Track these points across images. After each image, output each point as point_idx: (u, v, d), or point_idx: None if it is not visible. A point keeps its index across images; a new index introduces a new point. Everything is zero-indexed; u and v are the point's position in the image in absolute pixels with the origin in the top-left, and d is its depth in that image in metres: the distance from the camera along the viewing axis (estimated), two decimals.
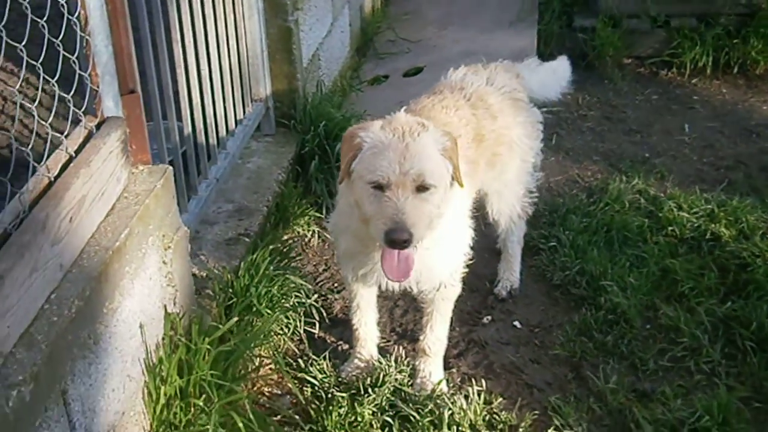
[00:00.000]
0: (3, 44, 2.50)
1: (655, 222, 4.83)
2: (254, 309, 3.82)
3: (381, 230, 3.07)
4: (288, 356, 4.00)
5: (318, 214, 4.92)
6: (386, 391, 3.77)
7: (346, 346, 4.15)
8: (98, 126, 3.14)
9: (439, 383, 3.86)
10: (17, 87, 2.84)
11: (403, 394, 3.79)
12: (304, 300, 4.11)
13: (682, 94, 6.35)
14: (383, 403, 3.72)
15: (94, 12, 3.03)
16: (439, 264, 3.59)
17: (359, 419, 3.64)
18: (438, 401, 3.74)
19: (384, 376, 3.84)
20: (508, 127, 4.04)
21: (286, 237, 4.60)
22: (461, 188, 3.33)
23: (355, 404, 3.69)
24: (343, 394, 3.74)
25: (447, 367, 4.01)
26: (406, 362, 3.99)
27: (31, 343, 2.54)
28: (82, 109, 3.06)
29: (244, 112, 5.02)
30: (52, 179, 2.84)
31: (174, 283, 3.44)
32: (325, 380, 3.87)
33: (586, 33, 6.66)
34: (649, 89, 6.45)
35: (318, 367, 3.92)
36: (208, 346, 3.35)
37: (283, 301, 3.96)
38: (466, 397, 3.76)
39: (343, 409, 3.67)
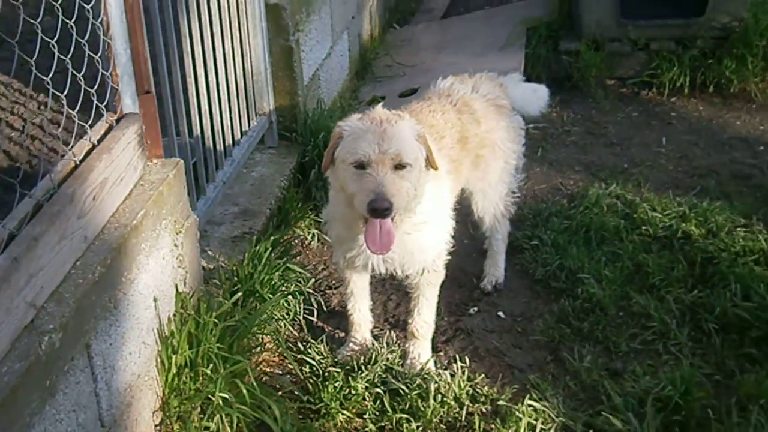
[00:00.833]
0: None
1: (630, 223, 5.17)
2: (257, 294, 4.16)
3: (364, 202, 3.44)
4: (288, 341, 4.34)
5: (317, 218, 5.26)
6: (378, 369, 4.10)
7: (342, 334, 4.48)
8: (117, 120, 3.53)
9: (427, 363, 4.19)
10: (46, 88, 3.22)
11: (393, 371, 4.12)
12: (303, 288, 4.47)
13: (661, 111, 6.72)
14: (375, 379, 4.05)
15: (115, 18, 3.43)
16: (423, 249, 3.94)
17: (353, 392, 3.97)
18: (426, 377, 4.08)
19: (376, 356, 4.18)
20: (491, 131, 4.41)
21: (287, 237, 4.96)
22: (436, 171, 3.70)
23: (350, 379, 4.02)
24: (339, 370, 4.09)
25: (435, 351, 4.32)
26: (397, 345, 4.33)
27: (60, 300, 2.90)
28: (104, 103, 3.45)
29: (249, 124, 5.41)
30: (78, 163, 3.22)
31: (184, 265, 3.80)
32: (322, 361, 4.20)
33: (570, 56, 7.03)
34: (630, 107, 6.82)
35: (315, 349, 4.26)
36: (215, 320, 3.70)
37: (283, 288, 4.30)
38: (452, 374, 4.09)
39: (338, 383, 4.00)
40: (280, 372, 4.21)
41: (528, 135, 4.91)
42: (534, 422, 3.77)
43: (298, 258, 4.96)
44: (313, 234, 5.23)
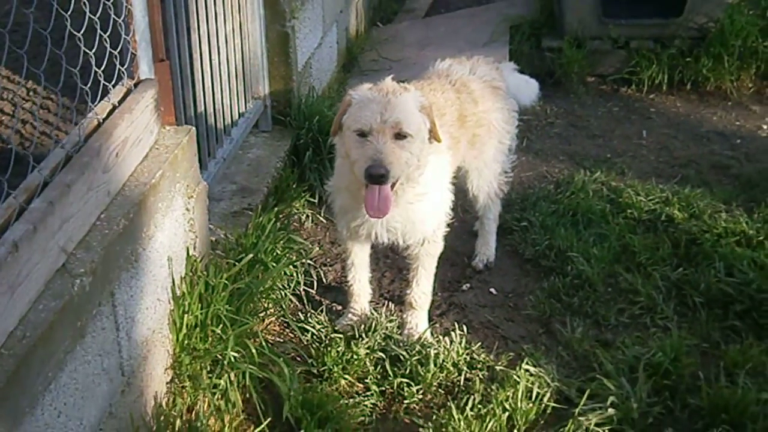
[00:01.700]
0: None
1: (615, 207, 5.35)
2: (261, 263, 4.27)
3: (362, 168, 3.59)
4: (289, 311, 4.45)
5: (311, 199, 5.39)
6: (378, 337, 4.23)
7: (339, 307, 4.60)
8: (135, 85, 3.64)
9: (424, 332, 4.33)
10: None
11: (393, 339, 4.26)
12: (305, 259, 4.60)
13: (641, 106, 6.92)
14: (375, 346, 4.19)
15: None
16: (424, 219, 4.08)
17: (355, 357, 4.09)
18: (424, 344, 4.22)
19: (376, 324, 4.31)
20: (487, 111, 4.56)
21: (286, 212, 5.08)
22: (439, 143, 3.86)
23: (351, 345, 4.15)
24: (340, 336, 4.21)
25: (430, 322, 4.47)
26: (395, 315, 4.46)
27: (88, 247, 3.01)
28: (125, 66, 3.56)
29: (245, 107, 5.52)
30: (101, 121, 3.32)
31: (195, 230, 3.91)
32: (323, 329, 4.33)
33: (553, 53, 7.21)
34: (610, 102, 7.02)
35: (316, 319, 4.38)
36: (225, 282, 3.81)
37: (285, 258, 4.41)
38: (451, 341, 4.23)
39: (340, 349, 4.13)
40: (282, 340, 4.31)
41: None
42: (531, 386, 3.92)
43: (296, 232, 5.07)
44: (307, 215, 5.34)
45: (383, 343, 4.22)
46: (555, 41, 7.27)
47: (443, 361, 4.10)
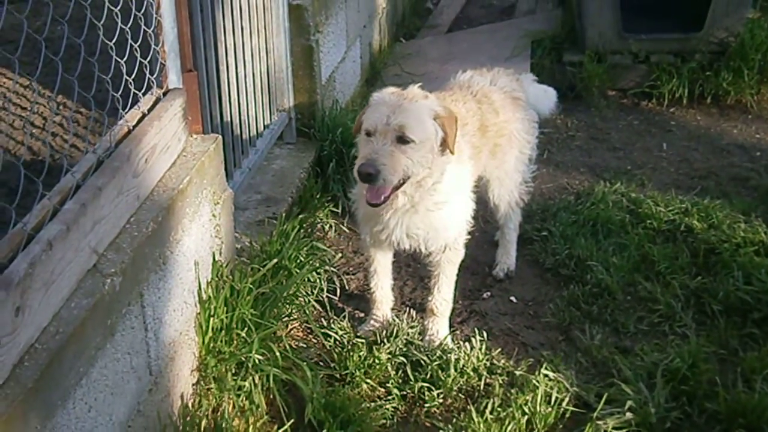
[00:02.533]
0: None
1: (635, 217, 5.40)
2: (285, 269, 4.36)
3: (357, 165, 3.72)
4: (312, 317, 4.53)
5: (335, 209, 5.48)
6: (399, 342, 4.31)
7: (362, 315, 4.68)
8: (164, 94, 3.75)
9: (445, 338, 4.40)
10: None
11: (414, 345, 4.33)
12: (328, 266, 4.69)
13: (661, 120, 6.97)
14: (397, 351, 4.26)
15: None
16: (446, 227, 4.17)
17: (377, 362, 4.17)
18: (445, 349, 4.29)
19: (397, 330, 4.39)
20: (508, 121, 4.64)
21: (310, 220, 5.18)
22: (452, 155, 3.92)
23: (373, 350, 4.23)
24: (362, 341, 4.29)
25: (451, 329, 4.53)
26: (416, 322, 4.53)
27: (119, 249, 3.11)
28: (154, 76, 3.67)
29: (270, 119, 5.63)
30: (131, 128, 3.44)
31: (221, 236, 4.01)
32: (345, 335, 4.41)
33: (574, 67, 7.28)
34: (631, 116, 7.08)
35: (338, 325, 4.46)
36: (250, 286, 3.91)
37: (308, 264, 4.50)
38: (471, 347, 4.29)
39: (362, 353, 4.20)
40: (305, 345, 4.39)
41: None
42: (549, 391, 3.97)
43: (320, 239, 5.17)
44: (331, 224, 5.42)
45: (405, 349, 4.30)
46: (576, 56, 7.34)
47: (464, 366, 4.17)
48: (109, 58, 3.29)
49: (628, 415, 3.82)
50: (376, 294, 4.51)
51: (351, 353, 4.22)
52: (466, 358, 4.20)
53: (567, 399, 3.97)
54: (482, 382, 4.14)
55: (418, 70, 7.68)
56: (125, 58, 3.35)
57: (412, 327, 4.45)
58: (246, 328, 3.85)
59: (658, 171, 6.20)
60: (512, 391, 4.03)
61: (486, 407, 3.89)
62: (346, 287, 4.91)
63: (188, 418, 3.59)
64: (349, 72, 6.85)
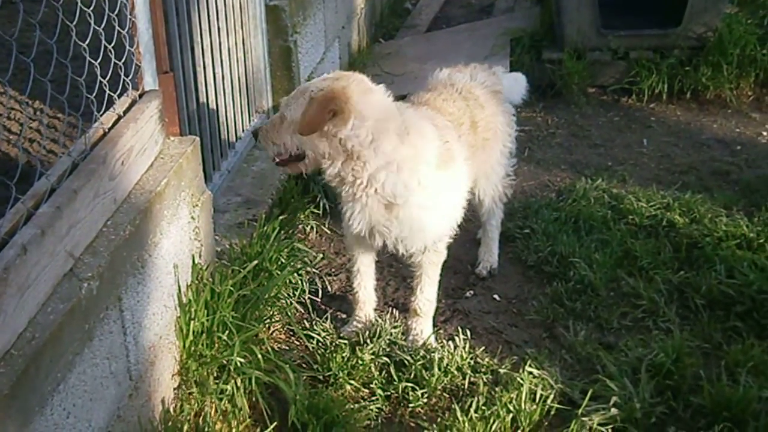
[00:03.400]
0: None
1: (616, 213, 5.39)
2: (266, 271, 4.32)
3: None
4: (294, 319, 4.49)
5: (316, 210, 5.44)
6: (383, 343, 4.27)
7: (344, 316, 4.65)
8: (140, 96, 3.71)
9: (428, 338, 4.37)
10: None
11: (397, 345, 4.30)
12: (309, 267, 4.66)
13: (641, 116, 6.98)
14: (380, 351, 4.23)
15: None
16: (422, 228, 4.08)
17: (360, 362, 4.14)
18: (429, 348, 4.26)
19: (380, 330, 4.35)
20: (493, 115, 4.61)
21: (292, 221, 5.14)
22: (302, 135, 3.83)
23: (357, 350, 4.20)
24: (345, 342, 4.26)
25: (434, 329, 4.50)
26: (399, 322, 4.50)
27: (95, 253, 3.07)
28: (129, 77, 3.63)
29: (249, 121, 5.59)
30: (107, 130, 3.39)
31: (200, 238, 3.97)
32: (328, 336, 4.37)
33: (553, 64, 7.26)
34: (611, 112, 7.08)
35: (321, 326, 4.43)
36: (231, 288, 3.87)
37: (290, 266, 4.46)
38: (455, 347, 4.27)
39: (345, 354, 4.17)
40: (288, 348, 4.36)
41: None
42: (534, 388, 3.95)
43: (300, 240, 5.13)
44: (312, 226, 5.39)
45: (388, 349, 4.26)
46: (555, 53, 7.33)
47: (447, 365, 4.14)
48: (84, 61, 3.24)
49: (614, 410, 3.80)
50: (359, 294, 4.47)
51: (334, 354, 4.18)
52: (450, 357, 4.18)
53: (552, 396, 3.95)
54: (466, 381, 4.11)
55: (398, 69, 7.65)
56: (99, 60, 3.30)
57: (395, 327, 4.42)
58: (227, 331, 3.82)
59: (639, 167, 6.21)
60: (497, 389, 4.01)
61: (471, 406, 3.86)
62: (328, 288, 4.87)
63: (170, 423, 3.55)
64: (328, 72, 6.80)
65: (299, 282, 4.53)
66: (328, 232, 5.38)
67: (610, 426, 3.76)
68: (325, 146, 3.79)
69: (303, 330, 4.40)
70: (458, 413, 3.81)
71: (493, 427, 3.76)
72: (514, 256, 5.18)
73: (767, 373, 4.02)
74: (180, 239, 3.74)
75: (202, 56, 4.78)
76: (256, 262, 4.13)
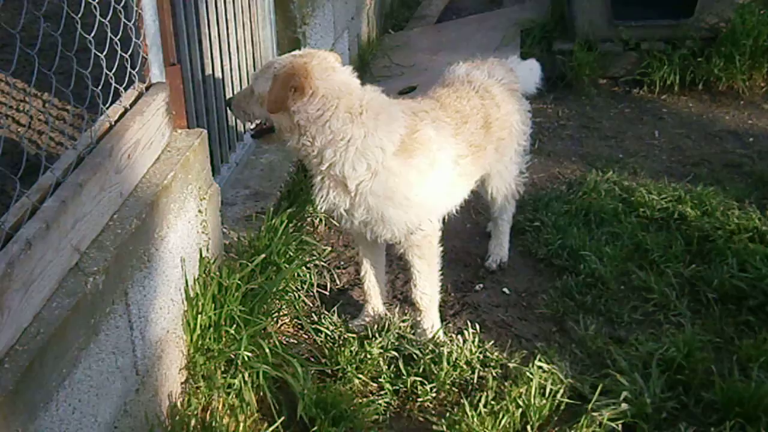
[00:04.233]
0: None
1: (627, 206, 5.35)
2: (274, 264, 4.30)
3: None
4: (303, 313, 4.47)
5: None
6: (391, 336, 4.24)
7: (352, 309, 4.63)
8: (147, 89, 3.68)
9: (437, 332, 4.33)
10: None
11: (406, 339, 4.27)
12: (318, 260, 4.63)
13: (653, 107, 6.92)
14: (389, 345, 4.20)
15: None
16: (389, 219, 3.98)
17: (368, 356, 4.11)
18: (438, 342, 4.23)
19: (389, 324, 4.33)
20: (509, 113, 4.57)
21: (300, 214, 5.12)
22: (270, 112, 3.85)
23: (365, 344, 4.17)
24: (354, 336, 4.23)
25: (443, 322, 4.47)
26: (408, 315, 4.47)
27: (101, 247, 3.05)
28: (136, 70, 3.60)
29: None
30: (113, 123, 3.37)
31: (207, 232, 3.94)
32: (336, 330, 4.35)
33: (564, 56, 7.22)
34: (622, 104, 7.02)
35: (329, 320, 4.40)
36: (238, 282, 3.84)
37: (298, 259, 4.44)
38: (464, 341, 4.24)
39: (354, 348, 4.15)
40: (296, 341, 4.34)
41: None
42: (544, 383, 3.92)
43: (309, 232, 5.11)
44: (321, 218, 5.36)
45: (397, 343, 4.23)
46: (566, 44, 7.28)
47: (456, 359, 4.11)
48: (90, 53, 3.22)
49: (624, 405, 3.77)
50: (368, 287, 4.44)
51: (342, 348, 4.16)
52: (459, 351, 4.15)
53: (561, 391, 3.91)
54: (475, 375, 4.08)
55: (407, 61, 7.61)
56: (105, 53, 3.27)
57: (404, 321, 4.39)
58: (235, 325, 3.79)
59: (651, 159, 6.16)
60: (506, 383, 3.98)
61: (480, 401, 3.83)
62: (337, 281, 4.85)
63: (177, 418, 3.53)
64: None
65: (307, 275, 4.51)
66: (337, 224, 5.34)
67: (621, 421, 3.72)
68: (284, 120, 3.82)
69: (311, 324, 4.37)
70: (467, 408, 3.78)
71: (503, 422, 3.73)
72: (524, 249, 5.14)
73: None
74: (187, 233, 3.72)
75: (210, 48, 4.75)
76: (264, 255, 4.10)
